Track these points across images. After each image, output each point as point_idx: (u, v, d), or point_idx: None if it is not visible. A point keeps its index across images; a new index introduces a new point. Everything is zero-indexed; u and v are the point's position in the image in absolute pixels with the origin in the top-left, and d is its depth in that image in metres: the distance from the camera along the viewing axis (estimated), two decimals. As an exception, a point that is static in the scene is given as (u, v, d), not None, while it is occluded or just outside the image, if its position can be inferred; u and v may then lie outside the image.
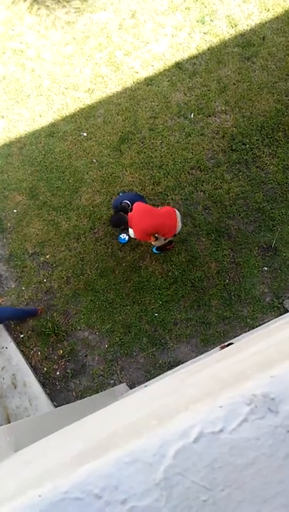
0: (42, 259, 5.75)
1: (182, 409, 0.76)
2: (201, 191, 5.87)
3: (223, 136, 6.07)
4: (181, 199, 5.86)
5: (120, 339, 5.37)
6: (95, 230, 5.81)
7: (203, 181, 5.90)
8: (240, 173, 5.91)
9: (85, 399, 4.88)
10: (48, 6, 7.16)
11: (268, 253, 5.59)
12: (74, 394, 5.27)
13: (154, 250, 5.54)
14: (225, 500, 0.69)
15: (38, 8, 7.18)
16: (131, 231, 4.75)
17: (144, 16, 6.86)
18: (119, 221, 4.63)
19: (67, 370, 5.38)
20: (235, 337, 5.05)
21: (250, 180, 5.86)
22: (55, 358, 5.46)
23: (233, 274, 5.54)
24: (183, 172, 5.96)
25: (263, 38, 6.51)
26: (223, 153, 6.01)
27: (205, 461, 0.70)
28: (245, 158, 5.98)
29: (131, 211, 4.84)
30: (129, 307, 5.47)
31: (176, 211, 4.76)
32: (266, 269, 5.53)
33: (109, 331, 5.42)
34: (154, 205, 5.84)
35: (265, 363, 0.86)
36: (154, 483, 0.69)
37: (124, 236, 5.64)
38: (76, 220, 5.87)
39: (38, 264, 5.77)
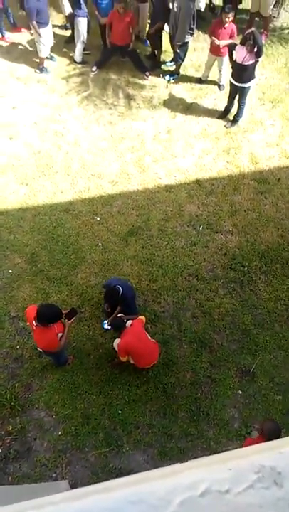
0: (22, 324, 5.63)
1: (194, 466, 0.80)
2: (194, 299, 5.98)
3: (225, 254, 6.37)
4: (173, 301, 5.94)
5: (76, 429, 5.03)
6: (82, 310, 5.78)
7: (197, 290, 6.04)
8: (234, 292, 6.07)
9: (24, 485, 4.41)
10: (96, 104, 8.00)
11: (245, 377, 5.50)
12: (10, 479, 4.76)
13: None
14: None
15: (87, 104, 8.00)
16: (116, 341, 5.06)
17: (178, 134, 7.64)
18: (119, 325, 4.98)
19: (11, 451, 4.93)
20: (194, 458, 4.75)
21: (242, 301, 6.01)
22: (2, 433, 5.05)
23: (206, 389, 5.39)
24: (180, 276, 6.13)
25: (278, 179, 7.17)
26: (222, 269, 6.24)
27: None
28: (241, 279, 6.19)
29: (120, 297, 4.99)
30: (94, 396, 5.21)
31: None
32: (240, 392, 5.40)
33: (67, 417, 5.09)
34: (145, 300, 5.91)
35: (277, 444, 0.91)
36: None
37: (107, 323, 5.60)
38: (66, 295, 5.88)
39: (16, 329, 5.63)
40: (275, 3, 8.81)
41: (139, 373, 5.37)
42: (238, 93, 7.40)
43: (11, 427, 5.03)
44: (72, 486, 4.72)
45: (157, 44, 8.37)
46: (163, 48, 8.50)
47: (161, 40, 8.29)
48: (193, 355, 5.58)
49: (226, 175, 7.20)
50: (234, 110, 7.70)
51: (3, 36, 8.82)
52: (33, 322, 4.40)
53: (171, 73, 8.44)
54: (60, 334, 4.62)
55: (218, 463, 0.80)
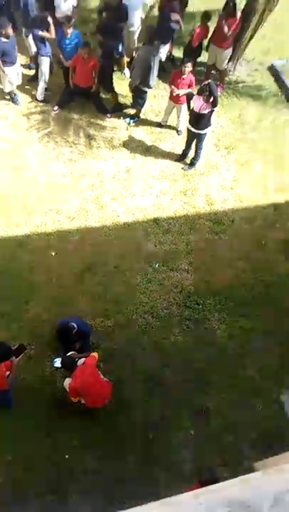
0: None
1: (165, 503, 0.79)
2: (148, 337, 5.93)
3: (181, 292, 6.41)
4: (127, 339, 5.86)
5: (17, 477, 4.70)
6: (32, 347, 5.58)
7: (152, 327, 6.01)
8: (188, 330, 6.08)
9: None
10: (56, 141, 8.10)
11: (198, 416, 5.42)
12: None
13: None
14: None
15: (48, 141, 8.09)
16: (67, 381, 4.91)
17: (137, 174, 7.81)
18: (70, 364, 4.78)
19: None
20: (145, 503, 4.53)
21: (195, 339, 6.01)
22: None
23: (158, 430, 5.25)
24: (135, 313, 6.09)
25: (232, 221, 7.41)
26: (177, 307, 6.26)
27: None
28: (196, 317, 6.23)
29: (75, 334, 4.89)
30: (41, 440, 4.94)
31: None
32: (193, 433, 5.29)
33: (9, 463, 4.77)
34: (98, 337, 5.79)
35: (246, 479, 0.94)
36: None
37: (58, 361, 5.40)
38: (16, 332, 5.67)
39: None
40: (230, 59, 9.45)
41: (90, 413, 5.17)
42: (195, 138, 7.73)
43: None
44: None
45: (107, 86, 8.55)
46: (124, 93, 8.82)
47: (112, 83, 8.51)
48: (146, 394, 5.47)
49: (182, 214, 7.37)
50: (191, 154, 8.01)
51: None
52: None
53: (132, 116, 8.73)
54: (7, 373, 4.42)
55: (189, 498, 0.89)
